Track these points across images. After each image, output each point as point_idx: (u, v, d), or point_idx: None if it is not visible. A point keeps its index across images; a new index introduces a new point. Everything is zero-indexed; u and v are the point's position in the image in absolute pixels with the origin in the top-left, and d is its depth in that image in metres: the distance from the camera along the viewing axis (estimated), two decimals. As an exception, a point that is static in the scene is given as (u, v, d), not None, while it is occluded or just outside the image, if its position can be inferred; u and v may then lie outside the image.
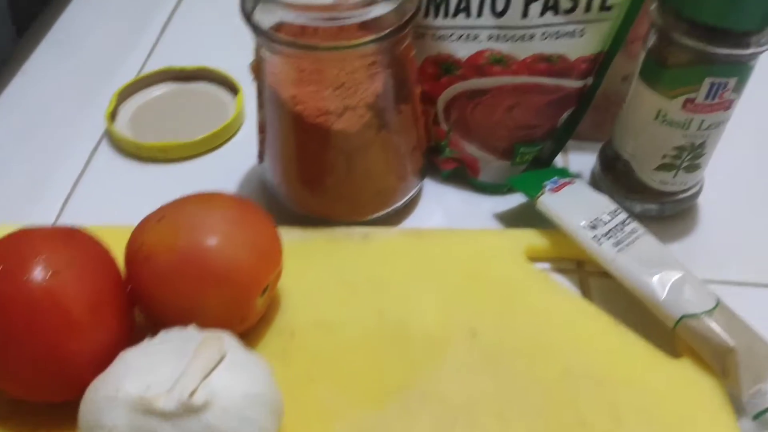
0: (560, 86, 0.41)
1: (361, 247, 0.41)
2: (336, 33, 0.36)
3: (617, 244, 0.39)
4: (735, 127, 0.41)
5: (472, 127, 0.44)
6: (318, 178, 0.41)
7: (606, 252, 0.38)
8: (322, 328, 0.37)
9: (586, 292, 0.41)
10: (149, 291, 0.33)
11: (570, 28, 0.39)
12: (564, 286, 0.40)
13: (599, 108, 0.48)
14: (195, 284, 0.32)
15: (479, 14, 0.39)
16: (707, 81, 0.37)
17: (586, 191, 0.42)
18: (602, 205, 0.41)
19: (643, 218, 0.43)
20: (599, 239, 0.39)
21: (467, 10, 0.39)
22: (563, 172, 0.44)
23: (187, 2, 0.64)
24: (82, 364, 0.31)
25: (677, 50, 0.37)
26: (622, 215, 0.40)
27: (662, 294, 0.36)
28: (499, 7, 0.39)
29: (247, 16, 0.36)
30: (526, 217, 0.43)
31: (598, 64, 0.42)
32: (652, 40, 0.39)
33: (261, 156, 0.43)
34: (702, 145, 0.40)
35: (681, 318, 0.35)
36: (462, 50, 0.41)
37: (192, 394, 0.27)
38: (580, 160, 0.48)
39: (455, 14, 0.40)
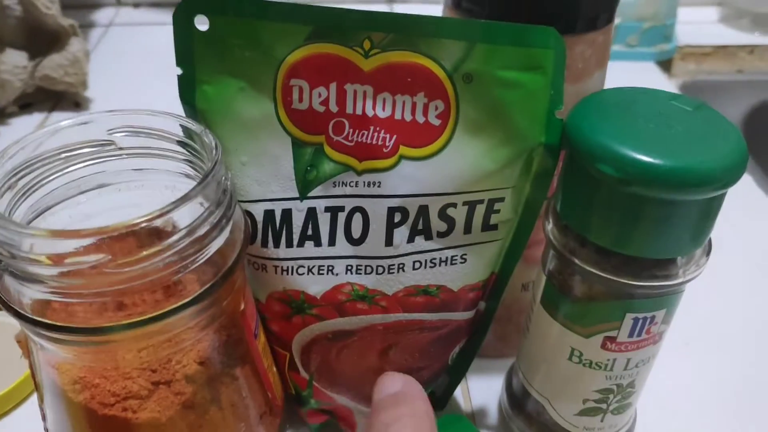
0: (446, 320, 0.32)
1: None
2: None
3: None
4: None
5: (340, 374, 0.33)
6: (124, 483, 0.29)
7: None
8: None
9: None
10: None
11: (448, 254, 0.30)
12: None
13: (501, 319, 0.39)
14: None
15: (332, 242, 0.30)
16: (629, 317, 0.29)
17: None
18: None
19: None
20: None
21: (316, 239, 0.30)
22: (462, 426, 0.34)
23: None
24: None
25: (584, 280, 0.29)
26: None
27: None
28: (356, 233, 0.30)
29: (12, 304, 0.25)
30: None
31: (490, 289, 0.33)
32: (552, 263, 0.30)
33: (50, 446, 0.31)
34: (631, 384, 0.32)
35: None
36: (315, 286, 0.31)
37: None
38: (484, 386, 0.39)
39: (301, 243, 0.30)
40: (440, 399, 0.37)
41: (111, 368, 0.27)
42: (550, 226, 0.29)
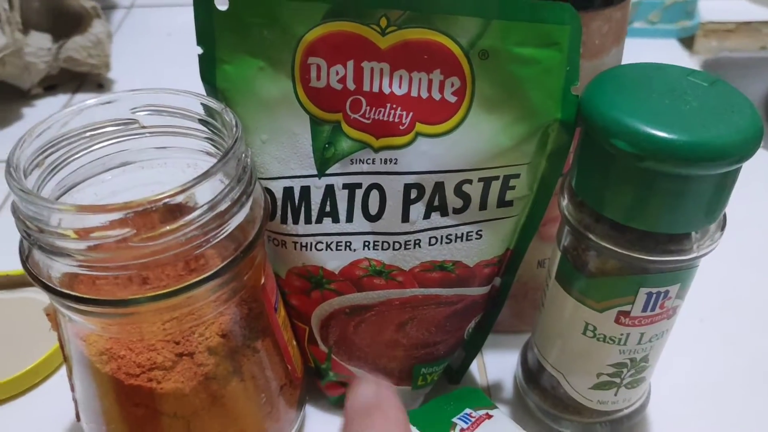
0: (461, 296, 0.33)
1: None
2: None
3: None
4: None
5: (358, 348, 0.34)
6: (150, 451, 0.30)
7: None
8: None
9: None
10: None
11: (464, 230, 0.31)
12: None
13: (516, 296, 0.40)
14: None
15: (349, 219, 0.31)
16: (642, 292, 0.29)
17: (507, 430, 0.33)
18: (529, 451, 0.32)
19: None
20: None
21: (334, 215, 0.31)
22: (477, 398, 0.34)
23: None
24: None
25: (599, 255, 0.29)
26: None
27: None
28: (373, 209, 0.31)
29: (42, 279, 0.26)
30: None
31: (506, 264, 0.33)
32: (567, 239, 0.31)
33: (77, 416, 0.32)
34: (645, 359, 0.32)
35: None
36: (333, 261, 0.32)
37: None
38: (499, 362, 0.40)
39: (319, 220, 0.31)
40: (456, 373, 0.38)
41: (136, 340, 0.28)
42: (565, 202, 0.30)
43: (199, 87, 0.30)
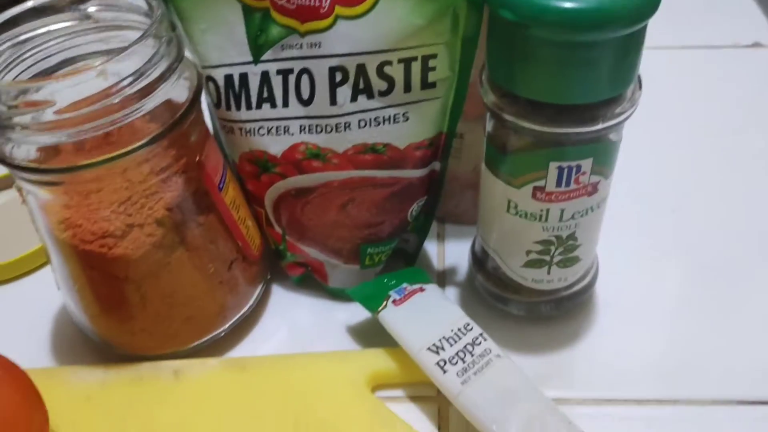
0: (396, 178, 0.35)
1: (170, 388, 0.34)
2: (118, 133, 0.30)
3: (464, 371, 0.31)
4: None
5: (306, 228, 0.37)
6: (110, 310, 0.34)
7: (450, 384, 0.31)
8: (102, 504, 0.30)
9: (443, 427, 0.33)
10: None
11: (390, 112, 0.32)
12: (413, 421, 0.33)
13: (476, 186, 0.41)
14: None
15: (285, 104, 0.33)
16: (553, 166, 0.30)
17: (436, 301, 0.35)
18: (452, 319, 0.33)
19: (531, 320, 0.36)
20: (444, 365, 0.32)
21: (272, 100, 0.33)
22: (417, 276, 0.37)
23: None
24: None
25: (514, 133, 0.30)
26: (474, 332, 0.33)
27: (513, 439, 0.29)
28: (305, 94, 0.32)
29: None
30: (381, 332, 0.35)
31: (442, 147, 0.35)
32: (490, 124, 0.32)
33: (57, 283, 0.36)
34: (572, 237, 0.33)
35: (532, 474, 0.28)
36: (275, 145, 0.34)
37: None
38: (457, 250, 0.41)
39: (259, 105, 0.33)
40: (411, 256, 0.40)
41: (88, 210, 0.31)
42: (484, 86, 0.31)
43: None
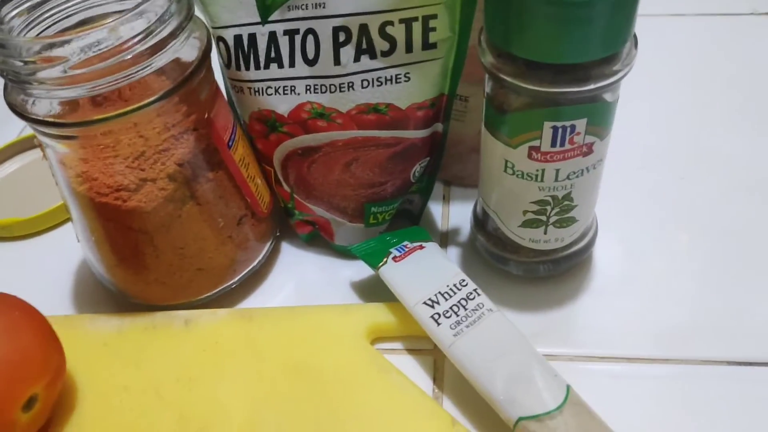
0: (399, 138, 0.36)
1: (181, 336, 0.36)
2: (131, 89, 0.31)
3: (457, 324, 0.32)
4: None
5: (313, 187, 0.38)
6: (125, 261, 0.36)
7: (443, 336, 0.32)
8: (116, 440, 0.32)
9: (438, 378, 0.34)
10: None
11: (392, 72, 0.33)
12: (410, 372, 0.34)
13: (479, 149, 0.42)
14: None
15: (291, 64, 0.34)
16: (547, 125, 0.31)
17: (434, 258, 0.36)
18: (448, 275, 0.35)
19: (529, 280, 0.38)
20: (438, 318, 0.33)
21: (279, 61, 0.34)
22: (418, 235, 0.38)
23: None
24: None
25: (511, 93, 0.31)
26: (468, 287, 0.34)
27: (499, 389, 0.30)
28: (310, 54, 0.34)
29: (18, 109, 0.31)
30: (382, 288, 0.37)
31: (443, 109, 0.36)
32: (488, 85, 0.33)
33: (77, 235, 0.38)
34: (568, 197, 0.34)
35: (518, 420, 0.29)
36: (282, 105, 0.35)
37: None
38: (462, 211, 0.42)
39: (267, 65, 0.34)
40: (415, 216, 0.41)
41: (104, 164, 0.33)
42: (482, 47, 0.31)
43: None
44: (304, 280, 0.40)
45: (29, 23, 0.33)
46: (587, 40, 0.28)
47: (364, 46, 0.33)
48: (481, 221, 0.39)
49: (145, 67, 0.30)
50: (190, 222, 0.35)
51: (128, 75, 0.30)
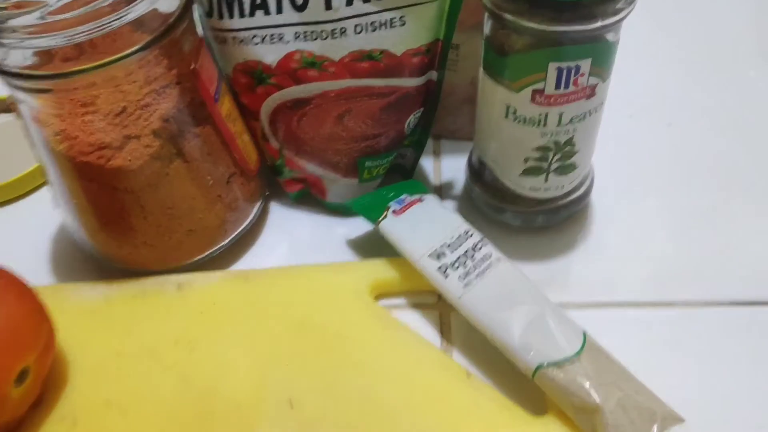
0: (393, 87, 0.34)
1: (174, 301, 0.34)
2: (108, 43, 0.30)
3: (465, 275, 0.32)
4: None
5: (303, 142, 0.37)
6: (110, 223, 0.34)
7: (452, 287, 0.31)
8: (113, 409, 0.31)
9: (445, 332, 0.34)
10: None
11: (387, 16, 0.32)
12: (415, 328, 0.33)
13: (474, 101, 0.41)
14: None
15: (279, 10, 0.32)
16: (552, 66, 0.30)
17: (435, 210, 0.35)
18: (451, 227, 0.34)
19: (527, 231, 0.37)
20: (445, 270, 0.32)
21: (265, 7, 0.32)
22: (415, 188, 0.37)
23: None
24: None
25: (513, 34, 0.30)
26: (474, 238, 0.33)
27: (516, 338, 0.29)
28: (299, -1, 0.32)
29: None
30: (380, 244, 0.36)
31: (438, 55, 0.34)
32: (488, 26, 0.31)
33: (55, 200, 0.36)
34: (570, 142, 0.33)
35: (537, 368, 0.29)
36: (269, 54, 0.34)
37: None
38: (454, 165, 0.41)
39: (252, 12, 0.33)
40: (408, 171, 0.40)
41: (83, 122, 0.31)
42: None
43: None
44: (297, 239, 0.39)
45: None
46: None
47: (358, -12, 0.31)
48: (477, 172, 0.38)
49: (123, 16, 0.29)
50: (179, 180, 0.33)
51: (105, 24, 0.28)
